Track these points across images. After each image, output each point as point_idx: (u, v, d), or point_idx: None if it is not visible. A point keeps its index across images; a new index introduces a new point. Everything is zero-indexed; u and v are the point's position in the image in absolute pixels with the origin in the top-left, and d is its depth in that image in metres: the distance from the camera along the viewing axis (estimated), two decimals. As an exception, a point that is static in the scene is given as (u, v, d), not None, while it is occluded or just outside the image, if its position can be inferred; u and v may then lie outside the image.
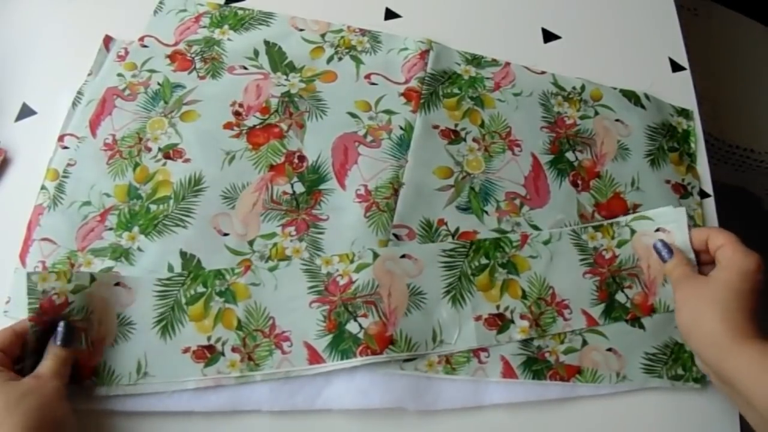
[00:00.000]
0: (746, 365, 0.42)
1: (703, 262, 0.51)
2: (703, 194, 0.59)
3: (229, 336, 0.47)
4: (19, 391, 0.39)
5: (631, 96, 0.62)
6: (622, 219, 0.55)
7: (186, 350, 0.47)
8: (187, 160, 0.54)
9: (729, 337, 0.43)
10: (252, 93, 0.58)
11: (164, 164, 0.53)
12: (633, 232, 0.54)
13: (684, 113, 0.63)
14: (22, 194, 0.52)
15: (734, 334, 0.43)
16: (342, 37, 0.62)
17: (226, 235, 0.51)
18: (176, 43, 0.60)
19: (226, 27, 0.62)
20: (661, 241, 0.51)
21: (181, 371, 0.46)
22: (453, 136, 0.58)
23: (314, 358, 0.47)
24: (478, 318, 0.50)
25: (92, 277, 0.47)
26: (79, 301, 0.46)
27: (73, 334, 0.44)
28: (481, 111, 0.60)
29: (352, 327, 0.48)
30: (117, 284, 0.48)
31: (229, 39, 0.61)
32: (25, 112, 0.57)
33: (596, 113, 0.61)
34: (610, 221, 0.55)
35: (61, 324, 0.44)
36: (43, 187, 0.52)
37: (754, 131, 1.02)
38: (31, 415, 0.38)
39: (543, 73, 0.63)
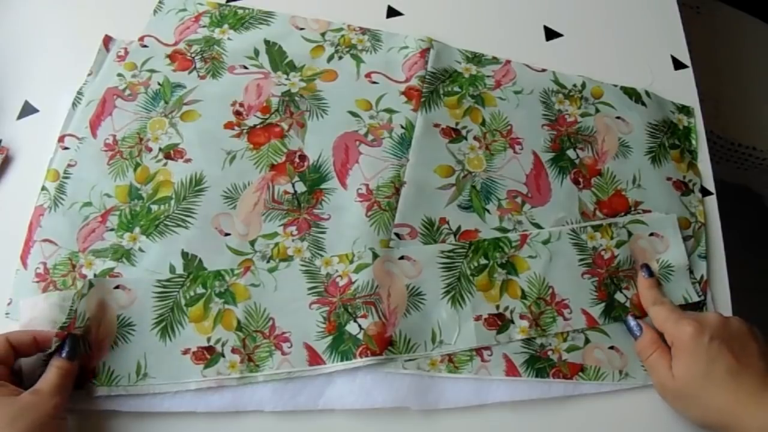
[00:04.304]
0: None
1: None
2: (706, 192, 0.58)
3: (229, 337, 0.47)
4: (17, 407, 0.38)
5: (631, 93, 0.62)
6: (619, 220, 0.55)
7: (186, 351, 0.47)
8: (188, 160, 0.54)
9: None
10: (252, 92, 0.58)
11: (165, 164, 0.53)
12: (630, 234, 0.54)
13: (685, 110, 0.63)
14: (23, 193, 0.52)
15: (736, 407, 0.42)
16: (342, 35, 0.62)
17: (227, 235, 0.51)
18: (176, 43, 0.60)
19: (226, 26, 0.61)
20: (633, 315, 0.51)
21: (181, 372, 0.46)
22: (454, 135, 0.58)
23: (314, 359, 0.47)
24: (477, 318, 0.50)
25: (90, 284, 0.47)
26: (78, 309, 0.46)
27: (78, 346, 0.44)
28: (482, 109, 0.59)
29: (351, 328, 0.48)
30: (116, 287, 0.48)
31: (229, 38, 0.61)
32: (27, 110, 0.57)
33: (597, 111, 0.61)
34: (608, 221, 0.55)
35: (69, 337, 0.43)
36: (43, 188, 0.52)
37: (756, 129, 1.02)
38: None
39: (543, 70, 0.63)
